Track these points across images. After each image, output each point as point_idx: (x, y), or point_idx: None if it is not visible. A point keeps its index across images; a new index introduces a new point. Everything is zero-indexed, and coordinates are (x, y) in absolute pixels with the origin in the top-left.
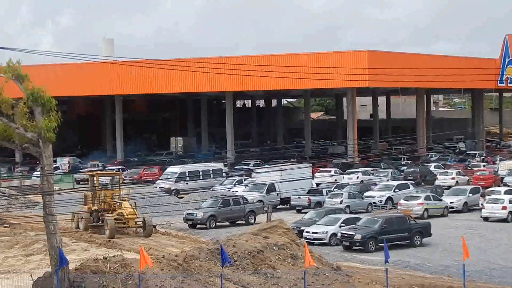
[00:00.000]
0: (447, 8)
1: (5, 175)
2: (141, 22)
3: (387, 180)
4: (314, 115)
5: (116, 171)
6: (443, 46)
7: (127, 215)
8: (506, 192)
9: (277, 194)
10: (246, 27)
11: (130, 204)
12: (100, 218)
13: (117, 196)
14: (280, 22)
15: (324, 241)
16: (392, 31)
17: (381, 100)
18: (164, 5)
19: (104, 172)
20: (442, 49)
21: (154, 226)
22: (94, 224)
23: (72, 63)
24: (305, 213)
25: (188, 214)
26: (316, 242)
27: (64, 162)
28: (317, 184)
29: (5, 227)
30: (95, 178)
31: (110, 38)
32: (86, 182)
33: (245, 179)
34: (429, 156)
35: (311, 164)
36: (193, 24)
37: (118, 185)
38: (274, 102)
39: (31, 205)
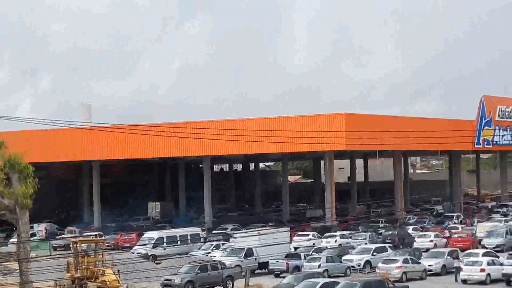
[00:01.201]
0: (424, 69)
1: None
2: (119, 84)
3: (365, 244)
4: (292, 178)
5: (94, 237)
6: (420, 107)
7: (110, 283)
8: (484, 254)
9: (255, 258)
10: (224, 87)
11: (114, 272)
12: (83, 286)
13: (100, 263)
14: (257, 81)
15: None
16: (369, 91)
17: (359, 162)
18: (142, 68)
19: (86, 239)
20: (419, 110)
21: None
22: None
23: (49, 129)
24: (283, 277)
25: (165, 280)
26: None
27: (41, 228)
28: (295, 248)
29: None
30: (77, 245)
31: (88, 104)
32: (63, 249)
33: (223, 244)
34: (407, 218)
35: (289, 228)
36: (171, 85)
37: (101, 251)
38: (252, 166)
39: (7, 272)
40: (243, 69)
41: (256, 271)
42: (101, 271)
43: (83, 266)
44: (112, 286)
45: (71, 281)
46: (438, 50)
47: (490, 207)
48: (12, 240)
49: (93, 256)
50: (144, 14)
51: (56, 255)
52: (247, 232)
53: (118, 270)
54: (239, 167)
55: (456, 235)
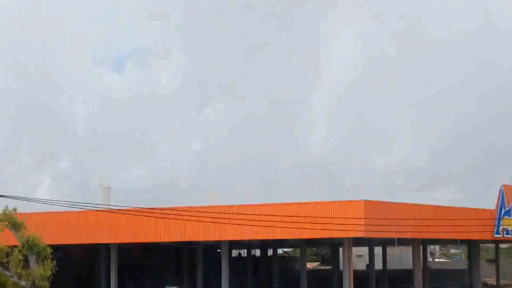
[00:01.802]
0: (444, 157)
1: None
2: (138, 166)
3: None
4: (310, 265)
5: None
6: (439, 193)
7: None
8: None
9: None
10: (243, 171)
11: None
12: None
13: None
14: (277, 165)
15: None
16: (389, 177)
17: (377, 250)
18: (162, 150)
19: None
20: (439, 196)
21: None
22: None
23: (69, 211)
24: None
25: None
26: None
27: None
28: None
29: None
30: None
31: (107, 186)
32: None
33: None
34: None
35: None
36: (190, 168)
37: None
38: (270, 251)
39: None
40: (262, 152)
41: None
42: None
43: None
44: None
45: None
46: (457, 137)
47: None
48: None
49: None
50: (165, 101)
51: None
52: None
53: None
54: (257, 252)
55: None
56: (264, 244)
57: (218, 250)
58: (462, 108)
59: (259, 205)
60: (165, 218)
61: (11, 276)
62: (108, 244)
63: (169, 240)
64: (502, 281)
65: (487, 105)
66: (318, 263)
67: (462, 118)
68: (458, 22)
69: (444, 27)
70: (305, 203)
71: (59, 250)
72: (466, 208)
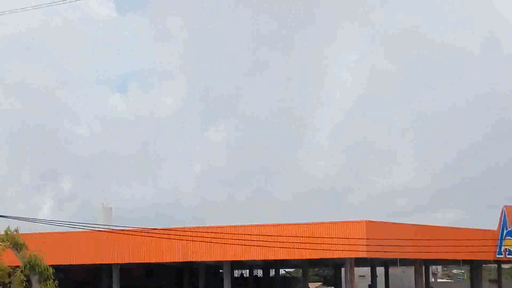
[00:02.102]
0: (446, 178)
1: None
2: (140, 186)
3: None
4: (312, 285)
5: None
6: (441, 214)
7: None
8: None
9: None
10: (244, 191)
11: None
12: None
13: None
14: (279, 186)
15: None
16: (391, 198)
17: (380, 270)
18: (164, 171)
19: None
20: (441, 217)
21: None
22: None
23: (70, 231)
24: None
25: None
26: None
27: None
28: None
29: None
30: None
31: (109, 207)
32: None
33: None
34: None
35: None
36: (191, 188)
37: None
38: (272, 272)
39: None
40: (264, 172)
41: None
42: None
43: None
44: None
45: None
46: (458, 158)
47: None
48: None
49: None
50: (167, 122)
51: None
52: None
53: None
54: (259, 272)
55: None
56: (266, 264)
57: (220, 270)
58: (463, 128)
59: (262, 225)
60: (167, 238)
61: None
62: (111, 264)
63: (171, 260)
64: None
65: (488, 125)
66: (320, 283)
67: (463, 138)
68: (462, 41)
69: (447, 47)
70: (307, 224)
71: (60, 271)
72: (468, 228)
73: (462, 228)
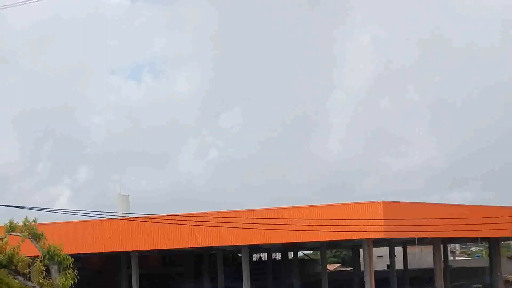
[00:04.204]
0: (462, 158)
1: None
2: (156, 177)
3: None
4: (331, 267)
5: None
6: (458, 195)
7: None
8: None
9: None
10: (260, 179)
11: None
12: None
13: None
14: (295, 172)
15: None
16: (407, 180)
17: (398, 250)
18: (179, 159)
19: None
20: (458, 198)
21: None
22: None
23: (88, 220)
24: None
25: None
26: None
27: None
28: None
29: None
30: None
31: (126, 195)
32: None
33: None
34: None
35: None
36: (207, 176)
37: None
38: (291, 255)
39: None
40: (279, 159)
41: None
42: None
43: None
44: None
45: None
46: (477, 139)
47: None
48: None
49: None
50: (182, 109)
51: None
52: None
53: None
54: (277, 255)
55: None
56: (284, 248)
57: (239, 255)
58: (479, 111)
59: (278, 209)
60: (185, 224)
61: (33, 287)
62: (129, 252)
63: (188, 246)
64: None
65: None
66: (339, 265)
67: (479, 119)
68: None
69: (462, 32)
70: (324, 206)
71: (78, 260)
72: (485, 206)
73: (479, 206)
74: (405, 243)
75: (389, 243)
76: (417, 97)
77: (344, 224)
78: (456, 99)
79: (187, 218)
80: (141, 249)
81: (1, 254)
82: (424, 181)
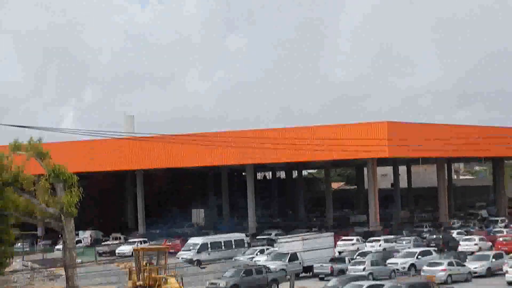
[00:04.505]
0: (467, 77)
1: (27, 249)
2: (161, 97)
3: (410, 248)
4: (335, 185)
5: (138, 244)
6: (463, 115)
7: None
8: None
9: (300, 262)
10: (266, 99)
11: (177, 280)
12: None
13: (163, 271)
14: (300, 92)
15: None
16: (412, 100)
17: (402, 169)
18: (184, 80)
19: (150, 247)
20: (463, 118)
21: None
22: None
23: (93, 139)
24: (328, 280)
25: (211, 283)
26: None
27: (86, 235)
28: (340, 253)
29: None
30: (140, 254)
31: (131, 115)
32: (108, 255)
33: (267, 249)
34: (451, 223)
35: (332, 233)
36: (213, 98)
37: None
38: (295, 173)
39: (54, 277)
40: (286, 80)
41: (300, 275)
42: (163, 279)
43: (145, 274)
44: None
45: None
46: (482, 59)
47: None
48: (58, 247)
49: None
50: (187, 30)
51: (101, 261)
52: (291, 237)
53: (181, 278)
54: (282, 174)
55: (501, 239)
56: (289, 166)
57: (243, 174)
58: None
59: (284, 129)
60: (189, 143)
61: (39, 204)
62: (135, 171)
63: (193, 165)
64: None
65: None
66: (343, 183)
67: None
68: None
69: None
70: (329, 126)
71: (84, 178)
72: (489, 126)
73: (483, 126)
74: (409, 162)
75: (393, 162)
76: (423, 16)
77: (349, 144)
78: (462, 18)
79: (192, 138)
80: (145, 167)
81: (7, 172)
82: (430, 101)
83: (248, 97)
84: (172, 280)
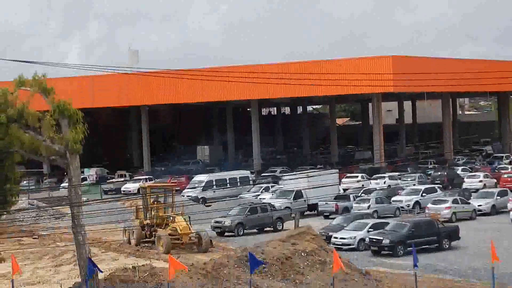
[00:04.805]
0: (473, 11)
1: (33, 187)
2: (166, 33)
3: (414, 185)
4: (340, 121)
5: (144, 181)
6: (469, 48)
7: (181, 230)
8: None
9: (304, 200)
10: (271, 37)
11: (184, 219)
12: (153, 233)
13: (171, 210)
14: (305, 29)
15: (352, 246)
16: (417, 35)
17: (407, 104)
18: (189, 16)
19: (157, 185)
20: (469, 52)
21: (211, 241)
22: (146, 239)
23: (98, 74)
24: (333, 219)
25: (216, 221)
26: (344, 247)
27: (91, 173)
28: (344, 190)
29: (34, 238)
30: (147, 191)
31: (135, 50)
32: (114, 192)
33: (272, 186)
34: (456, 159)
35: (337, 170)
36: (218, 34)
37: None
38: (300, 109)
39: (59, 216)
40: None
41: (305, 213)
42: (171, 218)
43: (152, 213)
44: (183, 233)
45: (140, 227)
46: None
47: None
48: (63, 185)
49: (162, 202)
50: None
51: (106, 198)
52: (296, 174)
53: (189, 217)
54: (286, 110)
55: (506, 175)
56: (293, 102)
57: (248, 109)
58: None
59: (287, 63)
60: (194, 79)
61: (44, 141)
62: (139, 107)
63: (199, 101)
64: None
65: None
66: (347, 119)
67: None
68: None
69: None
70: (334, 60)
71: (89, 114)
72: (495, 60)
73: (489, 60)
74: (414, 97)
75: (398, 97)
76: None
77: (353, 79)
78: None
79: (197, 73)
80: (150, 103)
81: (12, 108)
82: (436, 36)
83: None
84: (180, 219)
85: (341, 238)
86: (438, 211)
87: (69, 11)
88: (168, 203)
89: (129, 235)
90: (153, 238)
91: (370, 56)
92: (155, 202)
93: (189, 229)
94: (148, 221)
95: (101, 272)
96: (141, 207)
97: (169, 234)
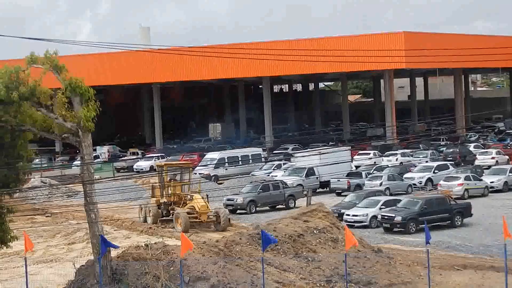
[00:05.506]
0: None
1: (45, 165)
2: (177, 9)
3: (426, 162)
4: (351, 97)
5: (156, 159)
6: (481, 24)
7: (199, 209)
8: None
9: (317, 177)
10: (281, 12)
11: (202, 197)
12: (170, 211)
13: (188, 188)
14: (317, 5)
15: (365, 223)
16: (430, 12)
17: (419, 81)
18: None
19: (174, 163)
20: (481, 28)
21: (229, 220)
22: (163, 218)
23: (109, 52)
24: (345, 196)
25: (228, 199)
26: (356, 224)
27: (103, 151)
28: (356, 167)
29: (47, 216)
30: (163, 169)
31: (146, 27)
32: (126, 170)
33: (284, 164)
34: (468, 136)
35: (350, 147)
36: (228, 8)
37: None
38: (311, 86)
39: (72, 194)
40: None
41: (317, 190)
42: (189, 196)
43: (169, 191)
44: (202, 212)
45: (157, 206)
46: None
47: None
48: (75, 162)
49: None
50: None
51: (119, 176)
52: (308, 151)
53: (207, 195)
54: (298, 87)
55: None
56: (305, 79)
57: (260, 86)
58: None
59: (299, 40)
60: (206, 56)
61: (56, 119)
62: (151, 84)
63: (210, 78)
64: None
65: None
66: (359, 96)
67: None
68: None
69: None
70: (345, 37)
71: (100, 92)
72: (507, 36)
73: (501, 36)
74: (426, 73)
75: (410, 73)
76: None
77: (365, 55)
78: None
79: (209, 50)
80: (162, 81)
81: (24, 86)
82: (449, 11)
83: (264, 8)
84: (197, 197)
85: (353, 215)
86: (450, 188)
87: None
88: (185, 181)
89: (146, 213)
90: (170, 216)
91: (382, 32)
92: (172, 180)
93: (207, 207)
94: (164, 199)
95: (118, 247)
96: (157, 185)
97: (187, 213)
